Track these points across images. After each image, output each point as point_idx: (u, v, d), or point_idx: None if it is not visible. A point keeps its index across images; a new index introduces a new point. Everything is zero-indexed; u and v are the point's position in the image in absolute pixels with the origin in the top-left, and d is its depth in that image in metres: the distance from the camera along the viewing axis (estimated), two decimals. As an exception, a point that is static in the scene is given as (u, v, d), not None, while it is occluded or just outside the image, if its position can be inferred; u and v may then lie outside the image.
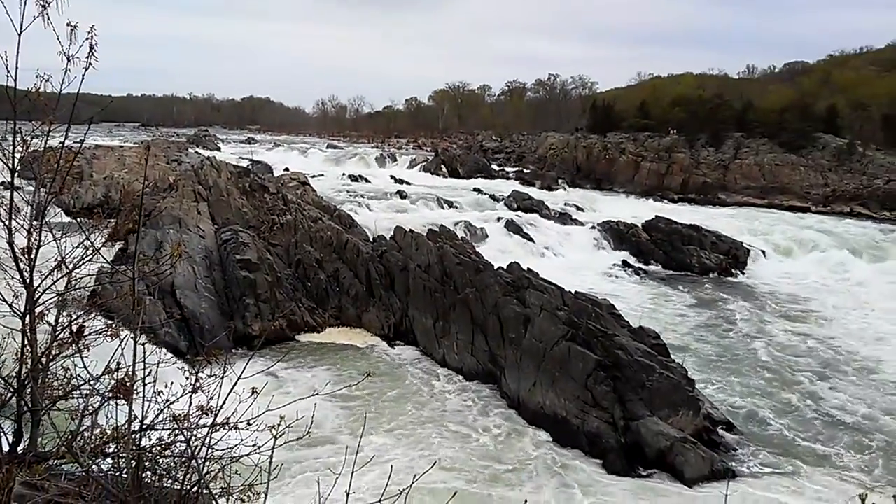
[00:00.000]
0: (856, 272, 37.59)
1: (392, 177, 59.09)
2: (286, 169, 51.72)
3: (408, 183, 55.27)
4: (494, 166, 75.31)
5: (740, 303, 31.51)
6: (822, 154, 63.92)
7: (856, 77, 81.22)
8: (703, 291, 33.64)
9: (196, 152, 57.40)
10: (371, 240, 29.40)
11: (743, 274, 37.58)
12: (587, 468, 16.33)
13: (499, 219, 40.41)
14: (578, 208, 48.82)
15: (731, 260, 38.44)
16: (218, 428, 3.35)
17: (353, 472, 2.83)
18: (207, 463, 3.11)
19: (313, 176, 47.44)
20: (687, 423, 17.18)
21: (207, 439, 3.12)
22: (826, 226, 48.56)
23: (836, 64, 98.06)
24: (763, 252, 40.16)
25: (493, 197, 48.66)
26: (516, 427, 18.50)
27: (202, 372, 3.40)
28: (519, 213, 43.36)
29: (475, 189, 52.99)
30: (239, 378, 3.22)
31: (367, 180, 55.34)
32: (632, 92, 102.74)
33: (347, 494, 2.66)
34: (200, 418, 3.32)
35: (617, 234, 40.93)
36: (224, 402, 3.24)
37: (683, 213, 48.09)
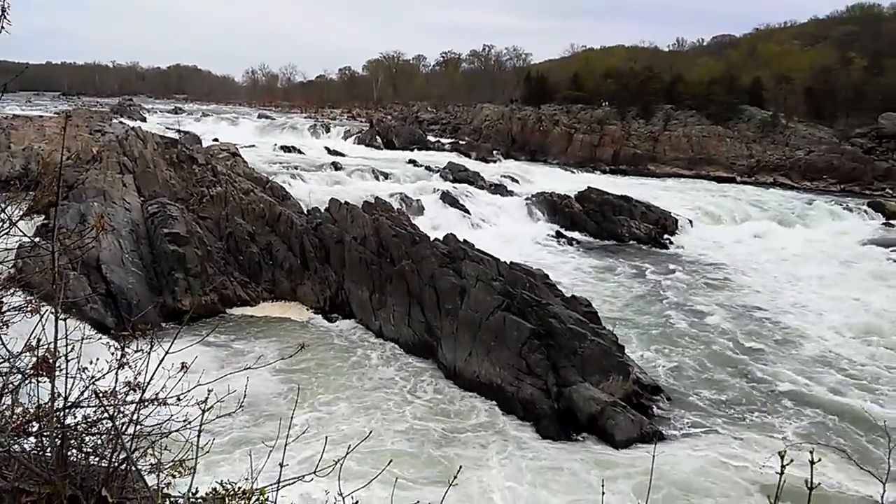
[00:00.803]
0: (779, 241, 39.08)
1: (326, 148, 58.18)
2: (215, 139, 50.29)
3: (342, 154, 54.57)
4: (430, 138, 75.05)
5: (669, 272, 32.43)
6: (748, 126, 65.94)
7: (780, 50, 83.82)
8: (633, 261, 34.49)
9: (120, 122, 55.13)
10: (305, 212, 29.02)
11: (672, 243, 38.69)
12: (522, 434, 16.71)
13: (434, 190, 40.39)
14: (513, 180, 49.13)
15: (660, 229, 39.52)
16: (147, 404, 3.28)
17: (286, 445, 2.82)
18: (136, 439, 3.05)
19: (244, 147, 46.17)
20: (617, 388, 17.72)
21: (135, 415, 3.06)
22: (751, 196, 50.21)
23: (762, 37, 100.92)
24: (690, 221, 41.40)
25: (428, 168, 48.49)
26: (453, 395, 18.76)
27: (128, 347, 3.31)
28: (455, 184, 43.40)
29: (411, 161, 52.70)
30: (167, 352, 3.16)
31: (300, 151, 54.33)
32: (565, 64, 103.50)
33: (281, 466, 2.66)
34: (128, 394, 3.25)
35: (551, 205, 41.50)
36: (152, 378, 3.17)
37: (615, 185, 49.02)
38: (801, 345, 23.13)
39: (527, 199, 42.29)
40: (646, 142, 67.65)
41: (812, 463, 2.16)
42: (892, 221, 44.25)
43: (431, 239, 23.88)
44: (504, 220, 39.83)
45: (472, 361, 19.23)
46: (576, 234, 39.18)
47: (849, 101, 67.36)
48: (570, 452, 15.88)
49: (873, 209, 46.16)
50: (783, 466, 2.14)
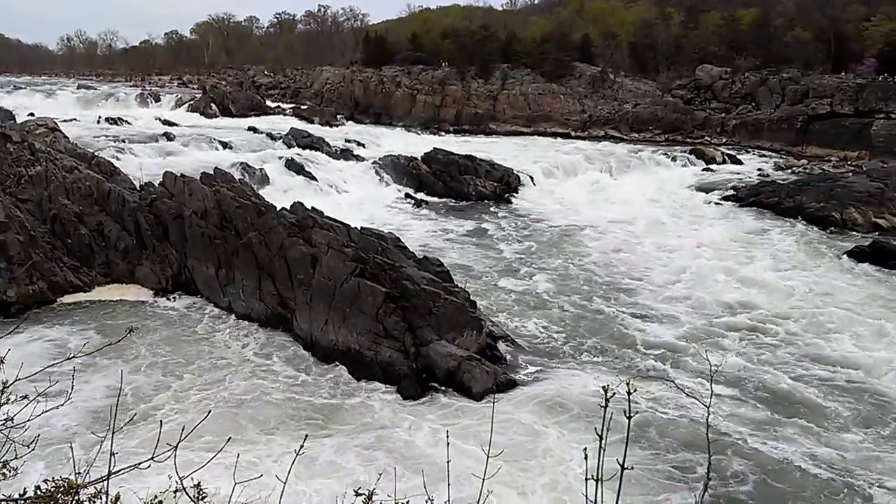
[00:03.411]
0: (612, 192, 41.40)
1: (157, 118, 54.84)
2: (31, 114, 46.27)
3: (175, 124, 51.63)
4: (269, 103, 72.70)
5: (513, 228, 33.58)
6: (579, 82, 68.92)
7: (605, 7, 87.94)
8: (481, 219, 35.36)
9: (-87, 99, 49.18)
10: (138, 188, 27.29)
11: (515, 199, 39.97)
12: (384, 396, 16.88)
13: (279, 158, 39.24)
14: (359, 144, 48.67)
15: (504, 187, 40.69)
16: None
17: (113, 434, 2.66)
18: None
19: (64, 121, 42.80)
20: (472, 343, 18.26)
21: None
22: (585, 150, 52.56)
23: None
24: (532, 178, 42.88)
25: (270, 135, 46.98)
26: (311, 365, 18.58)
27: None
28: (299, 151, 42.37)
29: (250, 128, 50.82)
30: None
31: (128, 123, 50.93)
32: (403, 24, 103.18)
33: (111, 455, 2.50)
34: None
35: (398, 167, 41.56)
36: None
37: (459, 144, 49.80)
38: (638, 293, 24.36)
39: (374, 162, 42.05)
40: (486, 101, 69.02)
41: (629, 394, 2.34)
42: (710, 167, 48.12)
43: (278, 208, 23.26)
44: (353, 185, 39.45)
45: (329, 330, 19.08)
46: (425, 196, 39.54)
47: (669, 54, 72.05)
48: (429, 411, 16.29)
49: (695, 156, 49.94)
50: (607, 400, 2.30)
